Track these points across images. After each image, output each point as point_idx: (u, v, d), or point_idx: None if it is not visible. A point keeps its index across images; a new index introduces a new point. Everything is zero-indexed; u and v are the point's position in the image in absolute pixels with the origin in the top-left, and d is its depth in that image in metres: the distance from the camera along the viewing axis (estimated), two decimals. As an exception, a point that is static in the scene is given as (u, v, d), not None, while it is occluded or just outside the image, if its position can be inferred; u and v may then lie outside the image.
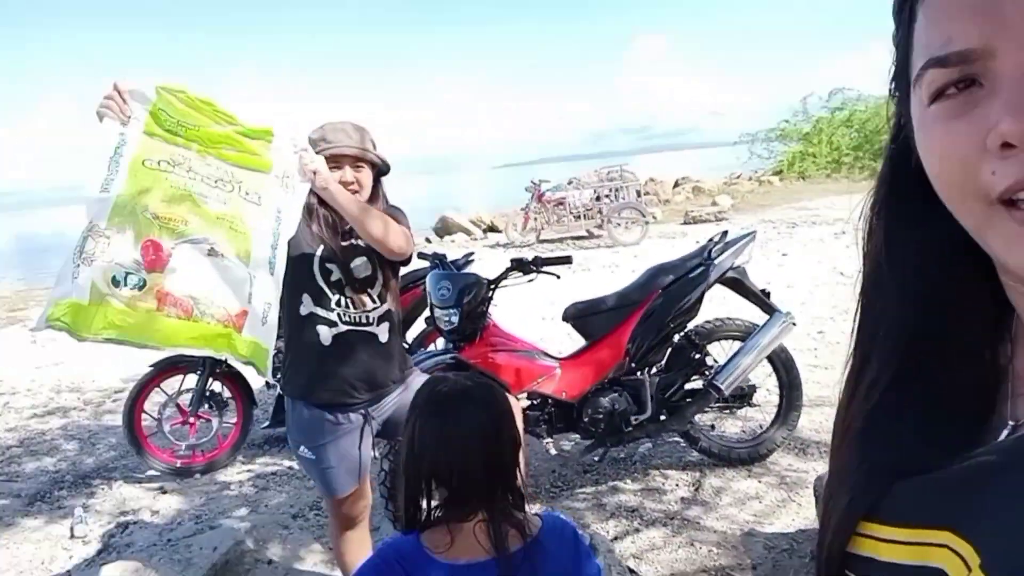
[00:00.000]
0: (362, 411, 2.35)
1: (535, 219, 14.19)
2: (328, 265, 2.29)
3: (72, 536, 3.37)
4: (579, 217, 14.31)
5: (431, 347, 4.28)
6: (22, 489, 3.94)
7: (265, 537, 3.27)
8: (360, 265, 2.33)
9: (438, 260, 3.80)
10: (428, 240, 16.01)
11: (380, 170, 2.43)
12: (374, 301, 2.34)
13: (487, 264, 3.68)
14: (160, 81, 2.01)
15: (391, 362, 2.38)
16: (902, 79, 0.53)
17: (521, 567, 1.29)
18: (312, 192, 2.26)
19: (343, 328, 2.30)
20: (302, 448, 2.35)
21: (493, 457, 1.32)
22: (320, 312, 2.28)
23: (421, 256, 3.95)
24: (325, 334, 2.28)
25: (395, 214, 2.42)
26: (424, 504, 1.34)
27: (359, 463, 2.35)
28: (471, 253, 4.31)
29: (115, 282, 1.87)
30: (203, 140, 2.01)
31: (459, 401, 1.35)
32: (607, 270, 9.85)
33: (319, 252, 2.29)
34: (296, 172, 2.12)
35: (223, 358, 4.00)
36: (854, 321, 0.61)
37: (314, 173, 2.12)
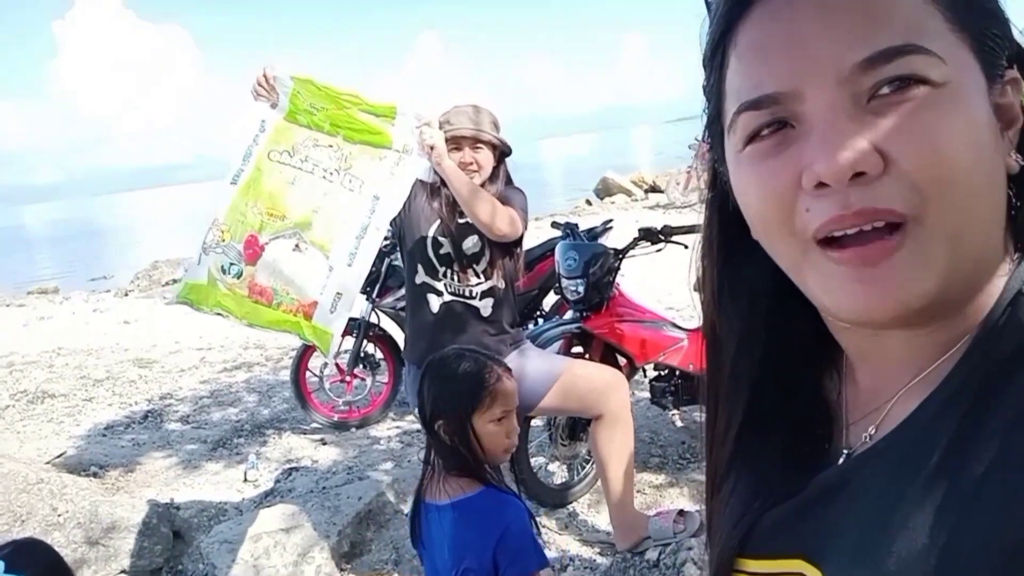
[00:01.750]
0: None
1: (698, 178, 13.67)
2: (441, 239, 2.44)
3: (245, 480, 3.82)
4: (746, 175, 13.63)
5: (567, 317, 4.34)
6: (208, 436, 4.50)
7: (405, 490, 3.51)
8: (471, 243, 2.45)
9: (569, 230, 3.82)
10: (588, 202, 15.96)
11: (502, 151, 2.52)
12: (478, 277, 2.45)
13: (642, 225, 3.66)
14: (293, 70, 2.22)
15: (497, 335, 2.49)
16: (715, 126, 0.53)
17: (456, 520, 1.54)
18: (438, 176, 2.40)
19: (448, 298, 2.47)
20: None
21: (450, 414, 1.58)
22: (430, 282, 2.47)
23: (554, 225, 4.00)
24: (434, 302, 2.48)
25: (511, 196, 2.50)
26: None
27: None
28: (609, 221, 4.28)
29: (223, 270, 2.21)
30: (331, 120, 2.23)
31: (451, 361, 1.65)
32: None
33: (434, 228, 2.43)
34: (416, 145, 2.24)
35: (375, 321, 4.34)
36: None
37: (431, 148, 2.24)
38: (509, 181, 2.60)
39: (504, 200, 2.47)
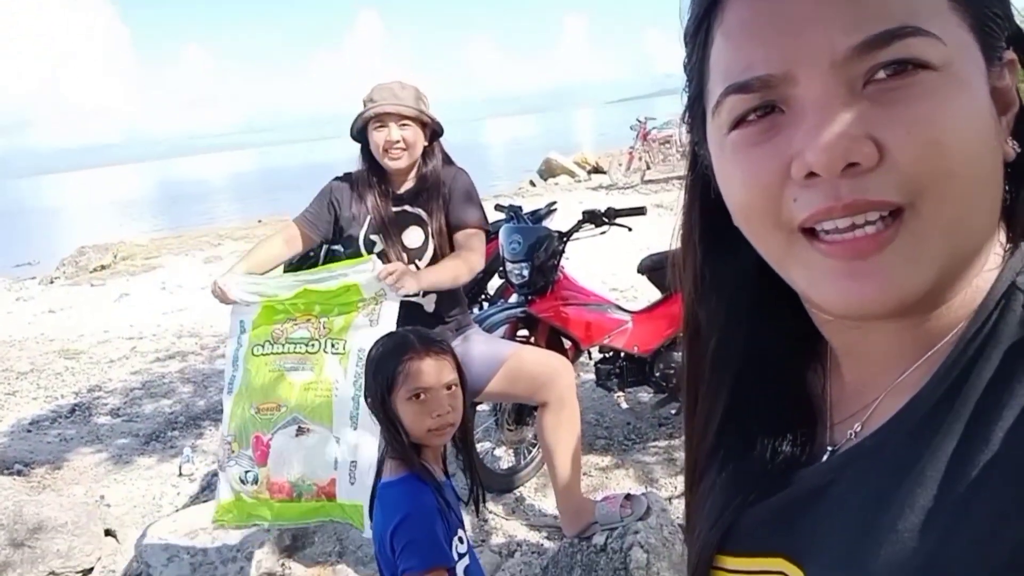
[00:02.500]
0: None
1: (640, 159, 13.79)
2: (372, 237, 2.37)
3: (180, 474, 3.69)
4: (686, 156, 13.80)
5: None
6: (140, 429, 4.33)
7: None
8: (410, 236, 2.37)
9: (512, 213, 3.78)
10: (532, 183, 15.95)
11: (434, 131, 2.43)
12: None
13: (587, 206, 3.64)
14: (248, 288, 2.21)
15: (442, 325, 2.44)
16: (697, 106, 0.50)
17: (377, 504, 1.59)
18: (366, 163, 2.34)
19: None
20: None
21: (371, 393, 1.61)
22: None
23: (498, 208, 3.95)
24: None
25: (456, 187, 2.43)
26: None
27: None
28: (553, 203, 4.26)
29: (242, 480, 2.20)
30: (303, 299, 2.20)
31: (378, 343, 1.68)
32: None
33: (365, 225, 2.35)
34: (388, 290, 2.14)
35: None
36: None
37: (395, 279, 2.10)
38: (448, 161, 2.52)
39: (447, 185, 2.40)
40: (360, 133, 2.41)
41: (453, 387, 1.61)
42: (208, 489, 3.51)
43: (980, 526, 0.36)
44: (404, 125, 2.33)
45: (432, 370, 1.59)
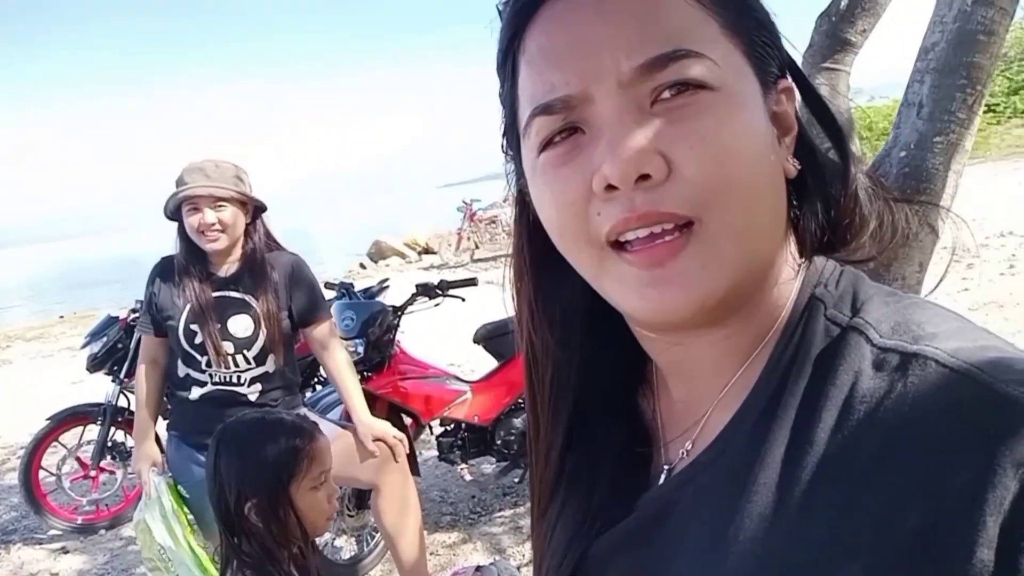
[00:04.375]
0: None
1: (468, 238, 14.14)
2: (192, 327, 2.22)
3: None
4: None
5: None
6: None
7: (170, 593, 3.09)
8: (237, 325, 2.24)
9: (344, 290, 3.70)
10: (363, 266, 15.79)
11: (256, 207, 2.34)
12: (248, 363, 2.26)
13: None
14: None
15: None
16: (511, 133, 0.52)
17: None
18: (183, 244, 2.26)
19: (210, 388, 2.28)
20: (179, 486, 2.30)
21: (263, 489, 1.36)
22: (193, 374, 2.28)
23: (328, 286, 3.85)
24: (195, 393, 2.29)
25: (301, 271, 2.38)
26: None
27: None
28: (385, 280, 4.22)
29: None
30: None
31: (252, 428, 1.44)
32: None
33: (184, 314, 2.22)
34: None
35: (124, 405, 3.85)
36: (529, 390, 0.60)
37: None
38: (275, 245, 2.41)
39: (283, 273, 2.32)
40: (175, 213, 2.26)
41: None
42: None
43: (819, 525, 0.38)
44: (220, 206, 2.19)
45: (328, 449, 1.44)
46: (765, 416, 0.44)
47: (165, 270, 2.31)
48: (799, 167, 0.49)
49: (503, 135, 0.54)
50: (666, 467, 0.53)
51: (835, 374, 0.42)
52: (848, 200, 0.50)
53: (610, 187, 0.43)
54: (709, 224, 0.43)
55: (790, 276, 0.49)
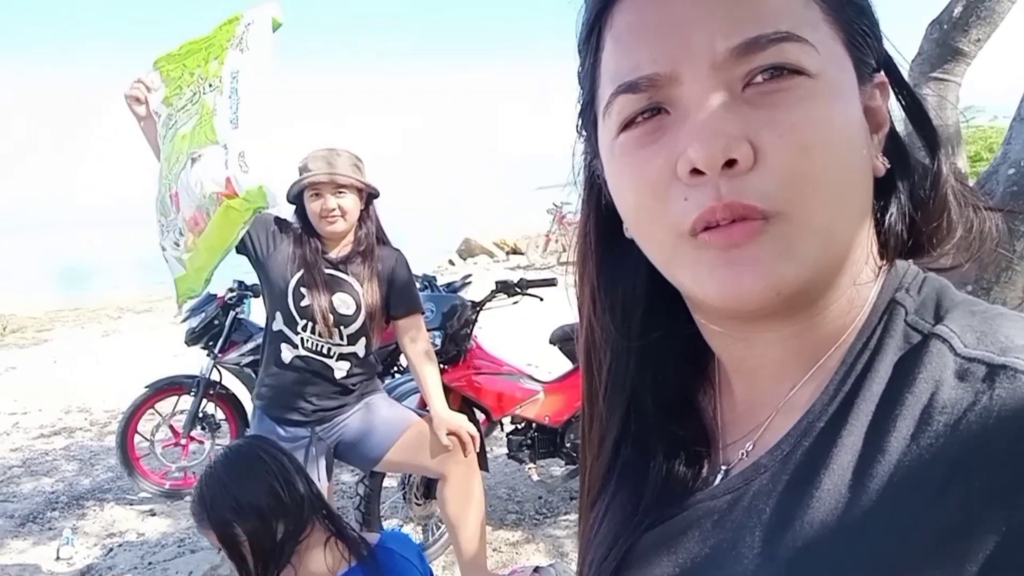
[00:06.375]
0: (307, 429, 2.39)
1: (556, 240, 14.15)
2: (302, 290, 2.31)
3: (58, 558, 3.38)
4: (600, 238, 14.23)
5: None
6: (16, 510, 3.97)
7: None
8: (341, 302, 2.33)
9: (427, 282, 3.77)
10: (451, 262, 16.05)
11: (370, 194, 2.43)
12: (342, 339, 2.35)
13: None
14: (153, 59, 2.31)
15: (345, 395, 2.42)
16: (588, 114, 0.51)
17: None
18: (301, 224, 2.37)
19: (302, 352, 2.35)
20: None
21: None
22: (287, 332, 2.35)
23: (412, 278, 3.93)
24: (287, 353, 2.36)
25: (402, 267, 2.48)
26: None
27: None
28: (468, 276, 4.28)
29: (177, 244, 2.22)
30: (189, 67, 2.22)
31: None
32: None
33: (296, 276, 2.31)
34: (257, 15, 2.14)
35: (217, 379, 4.04)
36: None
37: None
38: (380, 230, 2.50)
39: (386, 266, 2.42)
40: (296, 197, 2.38)
41: None
42: (89, 573, 3.23)
43: (885, 539, 0.36)
44: (340, 193, 2.31)
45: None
46: (835, 421, 0.42)
47: (282, 227, 2.41)
48: (888, 165, 0.47)
49: (579, 115, 0.53)
50: (723, 467, 0.51)
51: (914, 382, 0.40)
52: (937, 203, 0.47)
53: (695, 172, 0.41)
54: (792, 220, 0.41)
55: (870, 278, 0.46)
